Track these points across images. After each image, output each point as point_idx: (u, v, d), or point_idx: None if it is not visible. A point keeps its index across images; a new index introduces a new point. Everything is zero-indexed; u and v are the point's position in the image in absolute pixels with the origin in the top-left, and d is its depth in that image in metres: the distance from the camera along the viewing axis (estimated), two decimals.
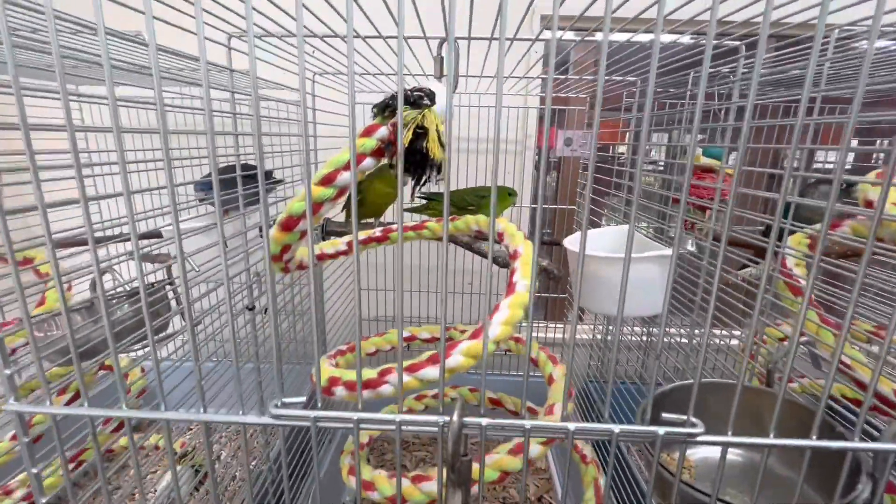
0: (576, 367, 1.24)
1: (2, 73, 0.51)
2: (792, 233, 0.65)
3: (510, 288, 0.41)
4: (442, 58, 0.62)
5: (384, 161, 0.43)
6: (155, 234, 0.90)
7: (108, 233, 0.92)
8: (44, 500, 0.36)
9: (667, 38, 0.62)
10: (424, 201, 0.88)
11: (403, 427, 0.35)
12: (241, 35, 0.60)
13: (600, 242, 0.84)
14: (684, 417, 0.34)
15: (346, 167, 0.39)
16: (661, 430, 0.33)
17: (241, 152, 0.69)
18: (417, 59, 0.75)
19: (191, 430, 1.14)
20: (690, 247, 0.88)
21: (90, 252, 0.34)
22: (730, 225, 0.33)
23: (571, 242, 0.77)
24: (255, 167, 0.82)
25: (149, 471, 1.06)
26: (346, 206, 0.92)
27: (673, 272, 0.35)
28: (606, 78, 0.93)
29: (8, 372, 0.34)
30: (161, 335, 0.76)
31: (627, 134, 1.07)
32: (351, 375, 0.41)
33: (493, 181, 0.32)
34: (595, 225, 1.15)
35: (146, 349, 0.66)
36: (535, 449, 0.49)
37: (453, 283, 1.29)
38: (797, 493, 0.38)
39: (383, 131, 0.41)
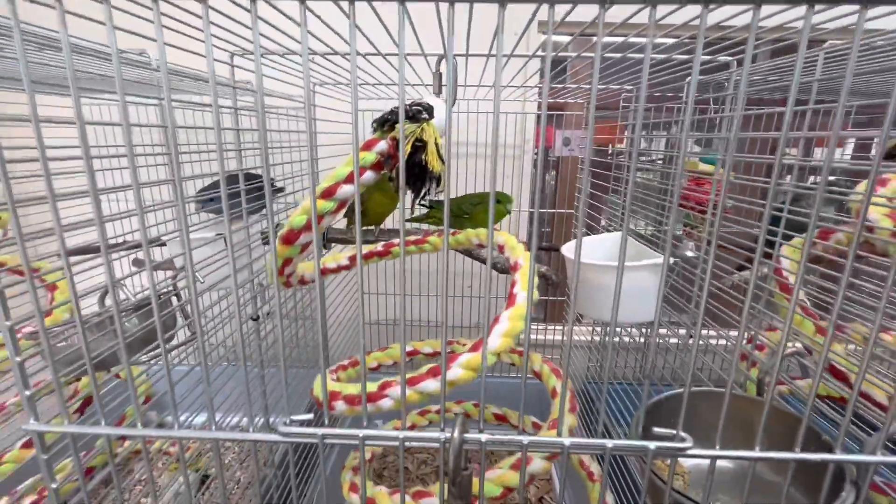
0: (574, 369, 1.26)
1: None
2: (789, 238, 0.66)
3: (511, 299, 0.41)
4: (441, 74, 0.63)
5: (384, 173, 0.44)
6: (157, 243, 0.91)
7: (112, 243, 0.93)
8: None
9: (659, 55, 0.63)
10: (426, 210, 0.90)
11: (406, 443, 0.37)
12: (245, 53, 0.61)
13: (600, 249, 0.86)
14: (674, 432, 0.35)
15: (346, 180, 0.40)
16: (652, 445, 0.34)
17: (243, 165, 0.70)
18: (415, 70, 0.76)
19: None
20: (690, 253, 0.89)
21: (102, 258, 0.35)
22: (718, 232, 0.35)
23: (569, 250, 0.78)
24: (255, 176, 0.83)
25: (156, 477, 1.08)
26: (347, 214, 0.93)
27: (664, 281, 0.36)
28: (603, 86, 0.95)
29: (28, 393, 0.35)
30: (170, 346, 0.78)
31: (626, 133, 1.08)
32: (351, 389, 0.42)
33: (492, 188, 0.32)
34: (595, 225, 1.16)
35: (153, 359, 0.68)
36: (539, 464, 0.48)
37: (453, 286, 1.31)
38: (783, 500, 0.40)
39: (382, 145, 0.42)
